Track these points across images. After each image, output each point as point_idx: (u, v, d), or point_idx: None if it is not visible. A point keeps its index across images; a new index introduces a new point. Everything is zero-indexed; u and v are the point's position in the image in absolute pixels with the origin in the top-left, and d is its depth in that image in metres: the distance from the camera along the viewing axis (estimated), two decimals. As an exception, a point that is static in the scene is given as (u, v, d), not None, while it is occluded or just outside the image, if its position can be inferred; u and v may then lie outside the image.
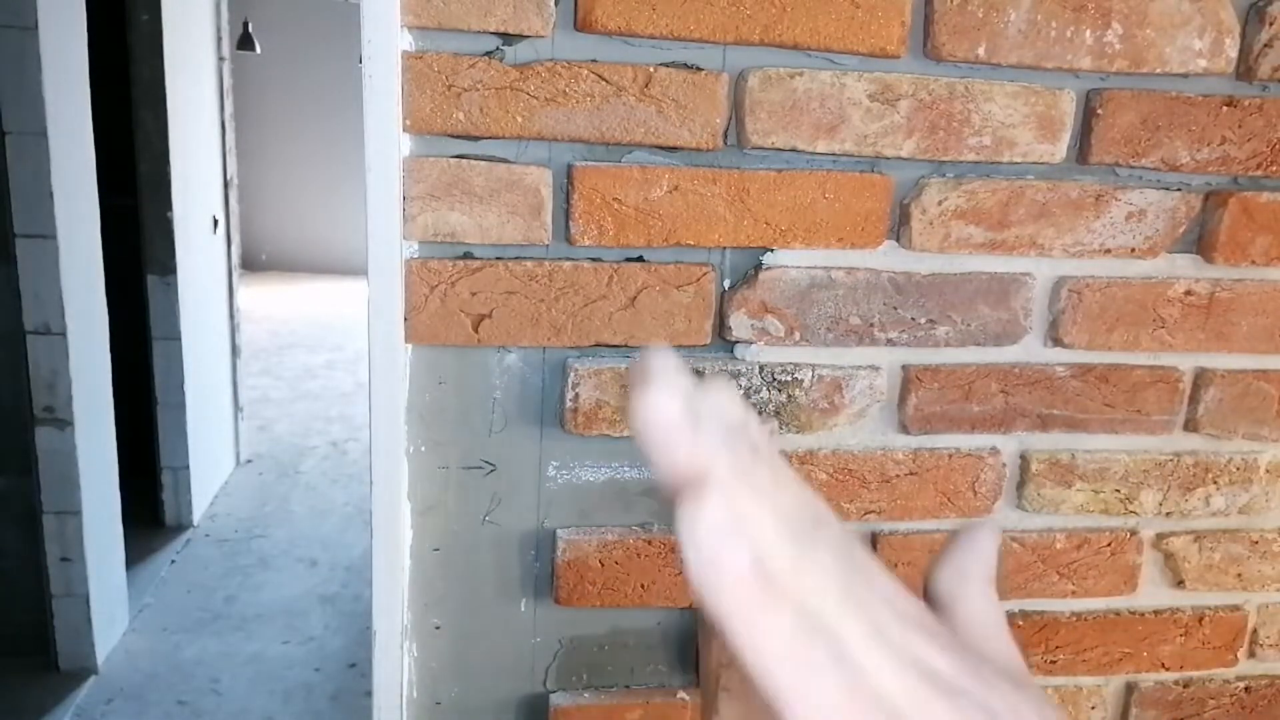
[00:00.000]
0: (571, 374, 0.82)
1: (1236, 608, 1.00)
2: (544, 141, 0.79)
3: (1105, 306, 0.88)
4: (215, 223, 3.92)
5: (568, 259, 0.81)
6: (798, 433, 0.86)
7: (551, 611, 0.89)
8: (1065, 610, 0.96)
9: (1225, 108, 0.85)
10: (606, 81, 0.78)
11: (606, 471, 0.87)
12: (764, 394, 0.85)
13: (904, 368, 0.87)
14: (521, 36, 0.77)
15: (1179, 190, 0.88)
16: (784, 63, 0.79)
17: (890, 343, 0.86)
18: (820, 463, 0.87)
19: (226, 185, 4.03)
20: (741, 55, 0.79)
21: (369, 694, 0.88)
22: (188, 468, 3.69)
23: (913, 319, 0.86)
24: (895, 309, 0.86)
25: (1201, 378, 0.92)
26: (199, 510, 3.83)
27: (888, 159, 0.83)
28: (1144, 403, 0.91)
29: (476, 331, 0.81)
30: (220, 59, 3.94)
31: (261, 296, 7.51)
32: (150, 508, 3.67)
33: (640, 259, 0.82)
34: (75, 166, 2.57)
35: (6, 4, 2.31)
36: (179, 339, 3.54)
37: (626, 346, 0.83)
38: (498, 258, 0.80)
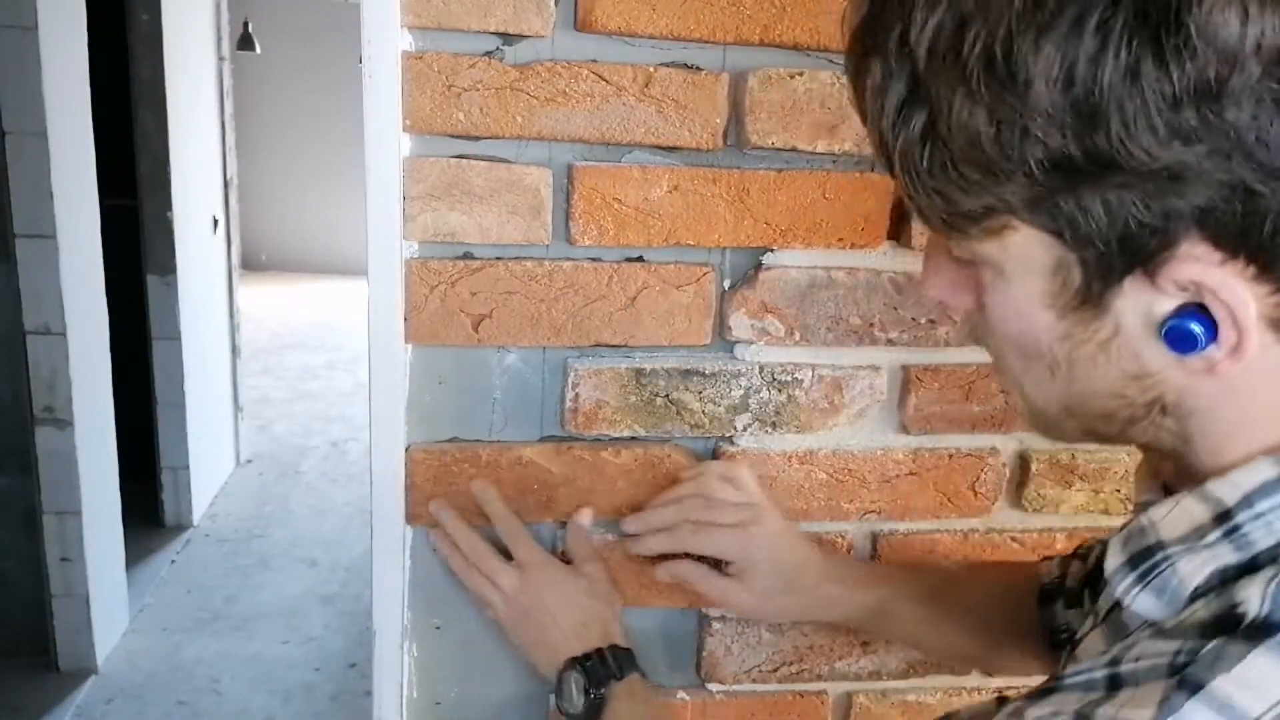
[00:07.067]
0: (571, 374, 0.82)
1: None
2: (544, 141, 0.79)
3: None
4: (215, 223, 3.92)
5: (568, 259, 0.81)
6: (798, 433, 0.86)
7: (551, 611, 0.89)
8: (1065, 610, 0.96)
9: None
10: (606, 81, 0.78)
11: (606, 471, 0.86)
12: (764, 394, 0.85)
13: (904, 368, 0.87)
14: (521, 36, 0.77)
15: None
16: (784, 63, 0.79)
17: (890, 343, 0.86)
18: (820, 463, 0.87)
19: (226, 185, 4.03)
20: (741, 55, 0.79)
21: (369, 694, 0.88)
22: (188, 468, 3.69)
23: (913, 319, 0.86)
24: (895, 309, 0.86)
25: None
26: (199, 510, 3.83)
27: (888, 159, 0.83)
28: (1144, 403, 0.91)
29: (476, 331, 0.81)
30: (220, 59, 3.94)
31: (261, 296, 7.50)
32: (150, 508, 3.67)
33: (640, 259, 0.82)
34: (75, 166, 2.57)
35: (6, 4, 2.31)
36: (179, 339, 3.53)
37: (626, 346, 0.83)
38: (498, 258, 0.80)
